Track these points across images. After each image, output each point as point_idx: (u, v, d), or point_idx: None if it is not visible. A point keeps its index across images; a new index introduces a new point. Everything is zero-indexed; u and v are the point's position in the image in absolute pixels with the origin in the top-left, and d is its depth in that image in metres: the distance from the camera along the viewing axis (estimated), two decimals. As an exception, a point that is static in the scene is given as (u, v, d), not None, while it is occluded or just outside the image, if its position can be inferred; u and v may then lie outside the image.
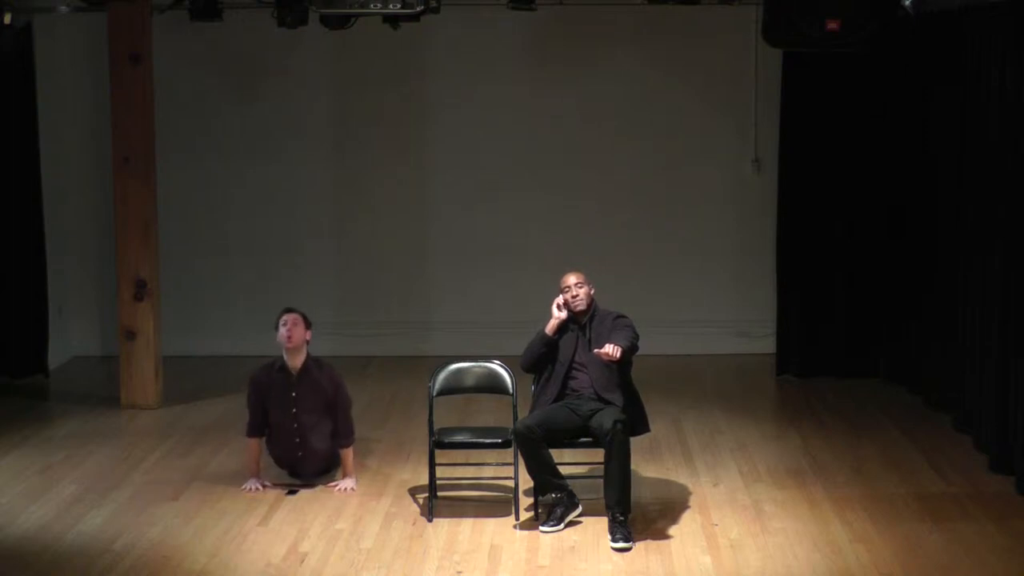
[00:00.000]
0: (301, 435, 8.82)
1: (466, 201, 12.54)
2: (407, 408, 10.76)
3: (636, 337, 8.15)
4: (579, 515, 8.18)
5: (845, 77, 11.34)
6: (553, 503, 8.20)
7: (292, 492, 8.79)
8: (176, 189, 12.20)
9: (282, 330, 8.78)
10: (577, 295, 8.25)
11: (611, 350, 7.90)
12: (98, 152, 11.98)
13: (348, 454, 8.89)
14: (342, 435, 8.89)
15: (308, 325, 8.87)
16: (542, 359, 8.34)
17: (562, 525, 8.10)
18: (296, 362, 8.82)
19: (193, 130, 12.48)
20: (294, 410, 8.80)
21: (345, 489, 8.78)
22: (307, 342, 8.86)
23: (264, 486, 8.83)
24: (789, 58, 11.52)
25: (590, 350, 8.18)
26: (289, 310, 8.86)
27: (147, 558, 7.72)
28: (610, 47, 12.34)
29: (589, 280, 8.34)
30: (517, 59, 12.40)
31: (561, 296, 8.29)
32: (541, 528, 8.08)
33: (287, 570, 7.55)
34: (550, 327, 8.28)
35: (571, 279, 8.31)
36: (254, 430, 8.92)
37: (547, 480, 8.15)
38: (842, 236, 11.65)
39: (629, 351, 8.04)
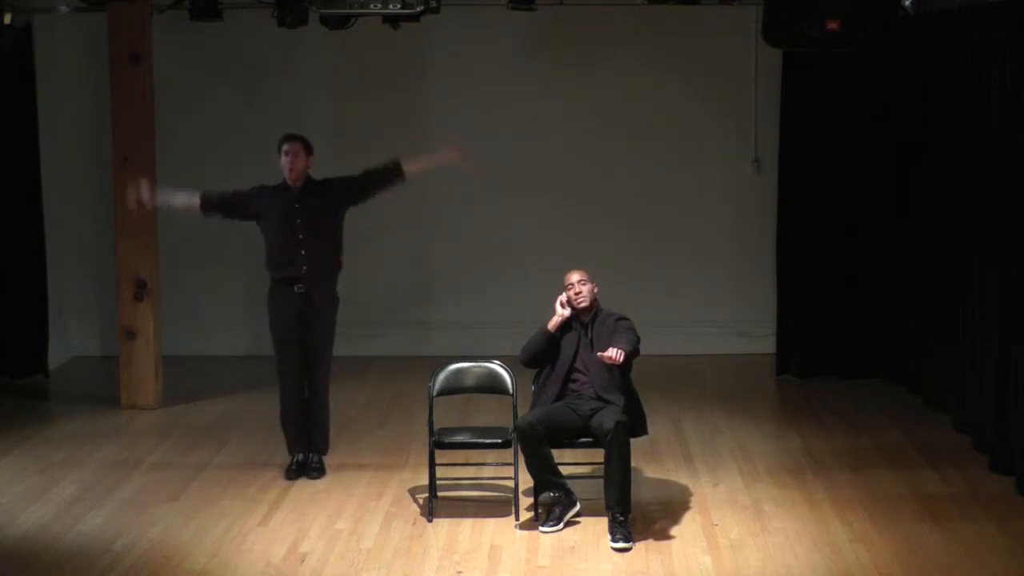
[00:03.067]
0: (305, 247, 8.91)
1: (466, 201, 12.54)
2: (407, 408, 10.76)
3: (638, 340, 8.14)
4: (577, 514, 8.18)
5: (845, 77, 11.34)
6: (552, 502, 8.20)
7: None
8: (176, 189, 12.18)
9: (284, 160, 8.95)
10: (580, 292, 8.25)
11: (615, 354, 7.88)
12: (98, 152, 11.98)
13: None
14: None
15: (310, 151, 9.02)
16: (541, 354, 8.33)
17: (561, 524, 8.10)
18: (297, 184, 9.01)
19: (193, 130, 12.48)
20: (298, 221, 8.91)
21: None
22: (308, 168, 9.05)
23: None
24: (789, 58, 11.52)
25: (592, 351, 8.18)
26: (290, 138, 8.98)
27: (147, 558, 7.72)
28: (610, 47, 12.34)
29: (592, 278, 8.35)
30: (517, 59, 12.40)
31: (564, 294, 8.30)
32: (541, 528, 8.08)
33: (287, 570, 7.55)
34: (552, 323, 8.28)
35: (574, 276, 8.31)
36: (209, 198, 9.15)
37: (546, 478, 8.15)
38: (842, 236, 11.65)
39: (631, 355, 8.03)
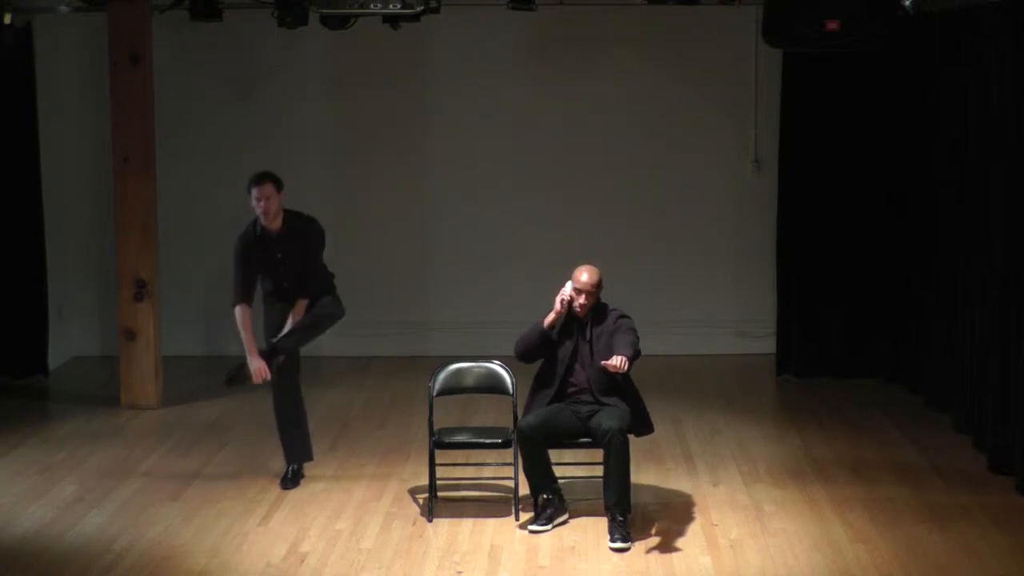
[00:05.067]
0: (295, 293, 8.79)
1: (466, 201, 12.55)
2: (407, 408, 10.76)
3: (638, 340, 8.09)
4: (565, 521, 8.17)
5: (845, 77, 11.34)
6: (544, 504, 8.19)
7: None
8: (176, 189, 12.20)
9: (256, 204, 8.71)
10: (584, 304, 8.14)
11: (618, 363, 7.79)
12: (98, 152, 11.98)
13: (303, 307, 8.81)
14: (309, 289, 8.81)
15: (280, 188, 8.77)
16: (536, 350, 8.26)
17: (550, 526, 8.10)
18: (275, 225, 8.80)
19: (193, 130, 12.48)
20: (282, 270, 8.79)
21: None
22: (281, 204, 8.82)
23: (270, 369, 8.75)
24: (789, 58, 11.53)
25: (591, 352, 8.13)
26: (260, 179, 8.70)
27: (147, 558, 7.72)
28: (610, 47, 12.34)
29: (601, 281, 8.18)
30: (517, 59, 12.40)
31: (568, 289, 8.19)
32: (530, 527, 8.08)
33: (287, 570, 7.55)
34: (548, 320, 8.21)
35: (584, 278, 8.13)
36: (242, 296, 8.88)
37: (542, 482, 8.15)
38: (842, 236, 11.65)
39: (632, 359, 7.96)
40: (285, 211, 8.83)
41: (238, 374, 8.86)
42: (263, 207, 8.70)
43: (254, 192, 8.70)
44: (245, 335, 8.84)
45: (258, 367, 8.76)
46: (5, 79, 11.41)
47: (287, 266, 8.80)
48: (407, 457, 9.51)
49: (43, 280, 11.87)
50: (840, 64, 11.13)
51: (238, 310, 8.91)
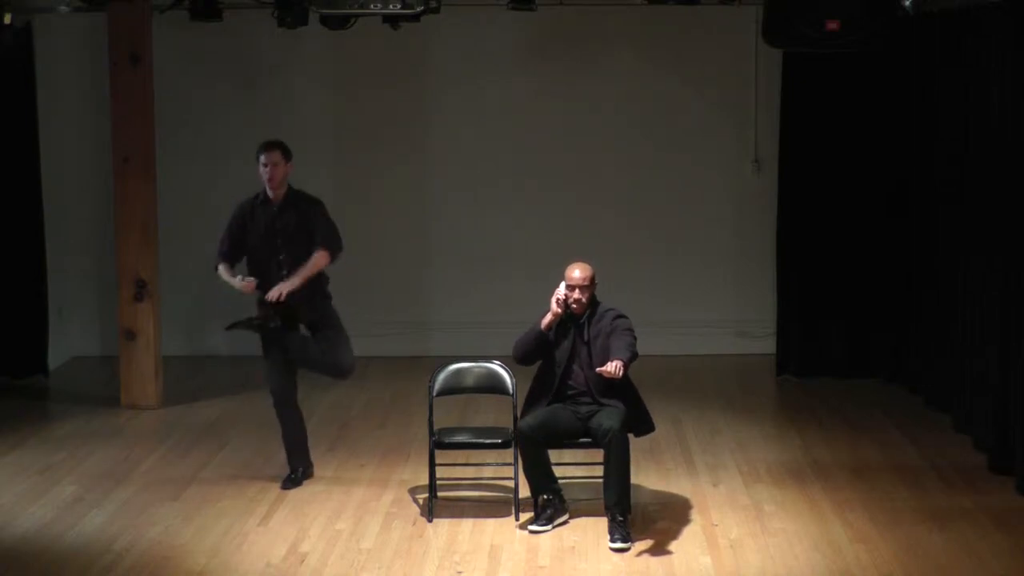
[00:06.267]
0: (287, 267, 8.71)
1: (466, 201, 12.55)
2: (407, 408, 10.76)
3: (635, 341, 8.08)
4: (566, 520, 8.18)
5: (845, 77, 11.34)
6: (544, 504, 8.19)
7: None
8: (176, 189, 12.20)
9: (263, 169, 8.73)
10: (579, 299, 8.16)
11: (614, 369, 7.78)
12: (98, 152, 11.98)
13: (320, 258, 8.72)
14: (325, 241, 8.73)
15: (288, 158, 8.79)
16: (533, 353, 8.26)
17: (550, 527, 8.10)
18: (278, 195, 8.79)
19: (193, 130, 12.48)
20: (278, 241, 8.73)
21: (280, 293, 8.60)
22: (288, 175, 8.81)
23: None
24: (789, 58, 11.53)
25: (589, 353, 8.13)
26: (268, 146, 8.76)
27: (147, 558, 7.72)
28: (610, 47, 12.34)
29: (594, 276, 8.18)
30: (517, 59, 12.40)
31: (562, 289, 8.20)
32: (530, 528, 8.08)
33: (287, 570, 7.56)
34: (545, 322, 8.20)
35: (576, 274, 8.12)
36: (224, 257, 8.87)
37: (542, 483, 8.15)
38: (842, 236, 11.65)
39: (630, 361, 7.96)
40: (290, 187, 8.84)
41: (240, 322, 8.90)
42: (268, 172, 8.72)
43: (262, 158, 8.75)
44: (233, 281, 8.85)
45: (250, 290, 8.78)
46: (5, 79, 11.41)
47: (283, 238, 8.73)
48: (407, 457, 9.51)
49: (43, 280, 11.87)
50: (840, 64, 11.13)
51: (221, 268, 8.92)
